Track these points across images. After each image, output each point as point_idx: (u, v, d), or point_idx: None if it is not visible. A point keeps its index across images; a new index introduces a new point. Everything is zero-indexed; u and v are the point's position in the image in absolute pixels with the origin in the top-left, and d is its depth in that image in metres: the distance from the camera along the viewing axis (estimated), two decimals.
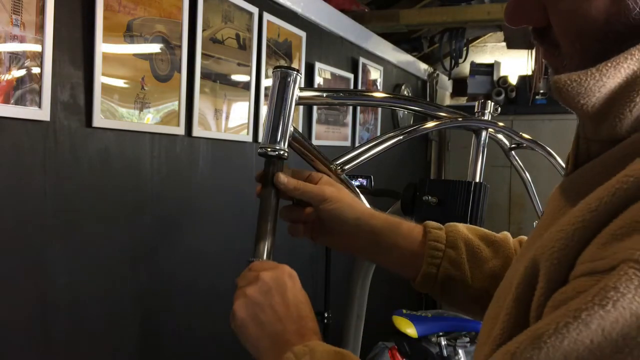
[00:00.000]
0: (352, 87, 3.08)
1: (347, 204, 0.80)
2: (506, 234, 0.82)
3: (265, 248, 0.75)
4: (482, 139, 1.22)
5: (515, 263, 0.53)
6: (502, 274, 0.64)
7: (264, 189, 0.80)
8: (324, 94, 0.91)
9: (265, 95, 2.25)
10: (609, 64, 0.45)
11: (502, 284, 0.55)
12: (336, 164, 0.94)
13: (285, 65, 0.85)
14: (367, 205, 0.86)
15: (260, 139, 2.26)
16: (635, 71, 0.44)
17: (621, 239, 0.37)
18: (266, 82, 2.28)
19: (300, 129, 2.61)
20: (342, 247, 0.87)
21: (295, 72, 0.82)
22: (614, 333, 0.36)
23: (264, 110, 2.27)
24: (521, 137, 1.46)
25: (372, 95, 0.98)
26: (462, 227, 0.80)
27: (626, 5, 0.44)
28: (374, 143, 1.02)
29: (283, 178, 0.78)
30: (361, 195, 0.94)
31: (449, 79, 4.86)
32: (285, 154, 0.81)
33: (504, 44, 4.41)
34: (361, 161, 0.98)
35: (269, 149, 0.80)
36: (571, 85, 0.46)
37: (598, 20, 0.46)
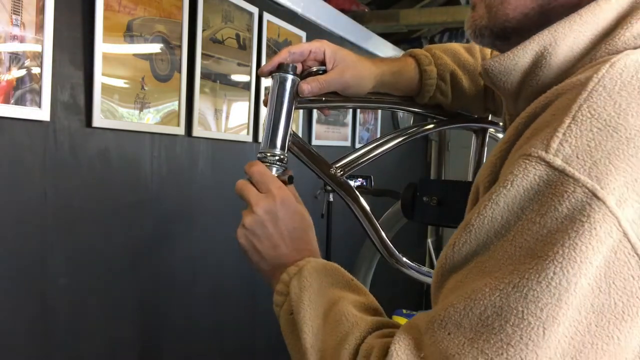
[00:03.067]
0: None
1: (365, 78, 0.88)
2: (478, 59, 1.01)
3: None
4: (483, 139, 1.22)
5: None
6: (473, 98, 0.99)
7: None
8: (323, 97, 0.90)
9: (266, 96, 2.25)
10: (519, 47, 0.57)
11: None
12: (336, 167, 0.94)
13: (284, 69, 0.84)
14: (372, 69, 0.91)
15: (260, 139, 2.26)
16: (536, 52, 0.57)
17: (517, 150, 0.50)
18: (266, 82, 2.28)
19: (300, 129, 2.61)
20: None
21: (294, 77, 0.82)
22: (514, 206, 0.48)
23: (264, 110, 2.26)
24: None
25: (372, 98, 0.97)
26: (448, 60, 0.98)
27: None
28: (374, 145, 1.01)
29: (306, 86, 0.83)
30: (362, 199, 0.94)
31: None
32: (285, 159, 0.81)
33: None
34: (361, 163, 0.98)
35: (269, 154, 0.80)
36: (494, 66, 0.59)
37: None
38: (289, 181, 0.79)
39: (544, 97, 0.52)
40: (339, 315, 0.66)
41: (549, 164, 0.47)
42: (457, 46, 1.03)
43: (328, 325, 0.66)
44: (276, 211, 0.74)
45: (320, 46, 0.87)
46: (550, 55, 0.56)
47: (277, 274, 0.74)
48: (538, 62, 0.57)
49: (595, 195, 0.45)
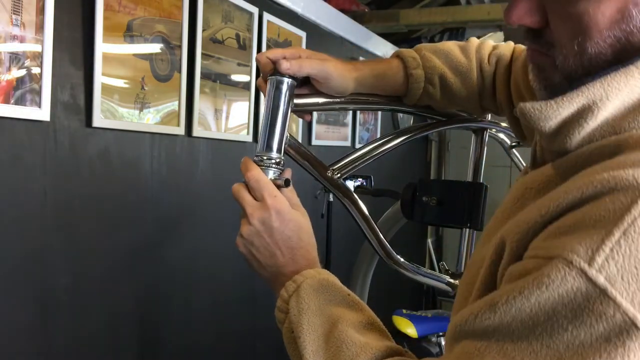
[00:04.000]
0: None
1: (345, 76, 0.87)
2: (472, 60, 0.99)
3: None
4: (483, 138, 1.22)
5: (485, 243, 0.65)
6: (465, 100, 0.98)
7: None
8: (320, 100, 0.90)
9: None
10: (565, 99, 0.55)
11: (474, 258, 0.66)
12: (333, 169, 0.94)
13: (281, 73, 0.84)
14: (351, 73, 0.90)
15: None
16: (584, 104, 0.55)
17: (556, 237, 0.50)
18: None
19: (300, 129, 2.61)
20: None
21: (290, 80, 0.82)
22: (546, 306, 0.48)
23: (264, 110, 2.26)
24: None
25: (370, 99, 0.97)
26: (438, 62, 0.97)
27: (630, 13, 0.53)
28: (372, 146, 1.01)
29: (285, 63, 0.82)
30: (360, 201, 0.94)
31: None
32: (281, 162, 0.82)
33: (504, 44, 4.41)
34: (359, 165, 0.98)
35: (265, 157, 0.80)
36: (534, 112, 0.57)
37: (602, 24, 0.54)
38: (285, 184, 0.79)
39: (592, 185, 0.50)
40: (340, 341, 0.67)
41: (590, 280, 0.46)
42: (450, 45, 1.01)
43: (329, 350, 0.68)
44: (271, 222, 0.76)
45: (295, 52, 0.86)
46: (599, 109, 0.54)
47: (277, 284, 0.76)
48: (584, 114, 0.55)
49: (635, 324, 0.45)
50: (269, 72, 0.84)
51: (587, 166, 0.54)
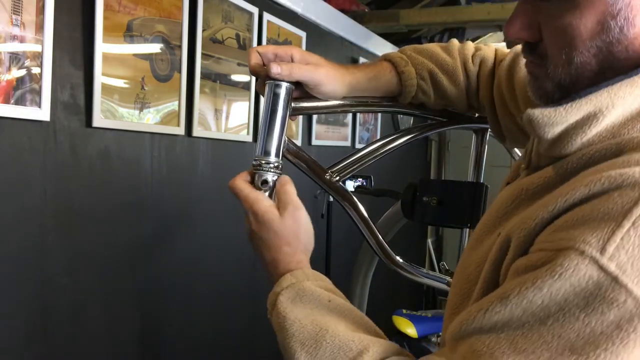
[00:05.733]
0: None
1: (337, 80, 0.88)
2: (456, 59, 1.00)
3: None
4: (483, 139, 1.22)
5: (478, 242, 0.67)
6: (455, 97, 1.00)
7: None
8: (317, 104, 0.90)
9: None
10: (573, 105, 0.59)
11: (468, 259, 0.68)
12: (331, 172, 0.94)
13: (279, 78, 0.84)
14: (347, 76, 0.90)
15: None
16: (590, 112, 0.59)
17: (564, 230, 0.52)
18: None
19: (300, 129, 2.61)
20: None
21: (288, 85, 0.82)
22: (558, 296, 0.50)
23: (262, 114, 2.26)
24: None
25: (369, 101, 0.97)
26: (425, 60, 0.99)
27: (608, 25, 0.58)
28: (371, 148, 1.01)
29: (275, 68, 0.82)
30: (359, 203, 0.94)
31: None
32: (280, 166, 0.82)
33: (504, 44, 4.41)
34: (357, 167, 0.97)
35: (263, 162, 0.80)
36: (542, 119, 0.60)
37: (585, 35, 0.59)
38: (261, 185, 0.79)
39: (599, 182, 0.53)
40: (336, 349, 0.67)
41: (602, 268, 0.48)
42: (433, 46, 1.03)
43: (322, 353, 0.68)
44: (269, 219, 0.77)
45: (288, 50, 0.86)
46: (604, 117, 0.58)
47: (278, 275, 0.78)
48: (589, 120, 0.59)
49: None
50: (257, 65, 0.84)
51: (589, 167, 0.57)
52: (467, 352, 0.55)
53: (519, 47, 1.02)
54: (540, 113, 0.60)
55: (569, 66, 0.61)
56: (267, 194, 0.80)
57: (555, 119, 0.59)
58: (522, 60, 0.96)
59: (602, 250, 0.48)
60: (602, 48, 0.59)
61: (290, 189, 0.79)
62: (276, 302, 0.73)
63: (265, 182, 0.80)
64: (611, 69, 0.60)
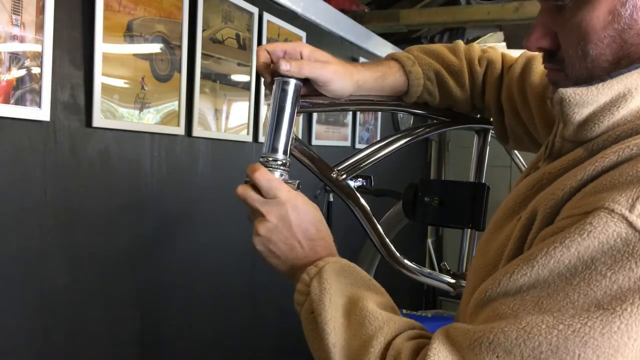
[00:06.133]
0: None
1: (345, 78, 0.88)
2: (462, 59, 1.02)
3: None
4: (485, 139, 1.22)
5: (496, 231, 0.68)
6: (460, 97, 1.01)
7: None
8: (326, 101, 0.90)
9: (266, 96, 2.25)
10: (605, 85, 0.61)
11: (486, 246, 0.69)
12: (337, 170, 0.94)
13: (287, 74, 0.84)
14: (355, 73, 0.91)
15: (260, 139, 2.26)
16: (620, 92, 0.60)
17: (592, 195, 0.54)
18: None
19: (300, 129, 2.61)
20: None
21: (296, 82, 0.82)
22: (585, 255, 0.51)
23: (264, 110, 2.26)
24: None
25: (373, 100, 0.97)
26: (432, 61, 1.00)
27: (619, 13, 0.60)
28: (376, 147, 1.01)
29: (284, 65, 0.81)
30: (364, 203, 0.94)
31: None
32: (287, 164, 0.81)
33: (504, 43, 4.41)
34: (363, 166, 0.98)
35: (271, 159, 0.80)
36: (574, 97, 0.62)
37: (598, 26, 0.61)
38: (297, 187, 0.80)
39: (628, 149, 0.55)
40: (362, 316, 0.68)
41: (630, 224, 0.50)
42: (440, 47, 1.04)
43: (352, 325, 0.68)
44: (288, 216, 0.76)
45: (296, 47, 0.86)
46: (633, 97, 0.60)
47: (297, 274, 0.77)
48: (617, 101, 0.61)
49: None
50: (265, 63, 0.84)
51: (617, 142, 0.59)
52: (489, 315, 0.55)
53: (530, 52, 1.03)
54: (572, 92, 0.62)
55: (585, 60, 0.63)
56: None
57: (587, 98, 0.61)
58: (534, 65, 0.98)
59: (632, 207, 0.50)
60: (615, 37, 0.61)
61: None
62: (321, 271, 0.73)
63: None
64: (626, 57, 0.61)
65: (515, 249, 0.61)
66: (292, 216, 0.76)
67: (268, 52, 0.85)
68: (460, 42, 1.06)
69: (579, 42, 0.62)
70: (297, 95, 0.83)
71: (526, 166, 1.68)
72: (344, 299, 0.71)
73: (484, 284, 0.58)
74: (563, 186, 0.57)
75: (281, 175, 0.80)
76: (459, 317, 0.71)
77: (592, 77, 0.63)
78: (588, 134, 0.62)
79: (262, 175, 0.77)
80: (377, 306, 0.69)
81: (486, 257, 0.68)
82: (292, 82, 0.82)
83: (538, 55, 1.00)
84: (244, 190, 0.79)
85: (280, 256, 0.78)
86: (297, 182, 0.80)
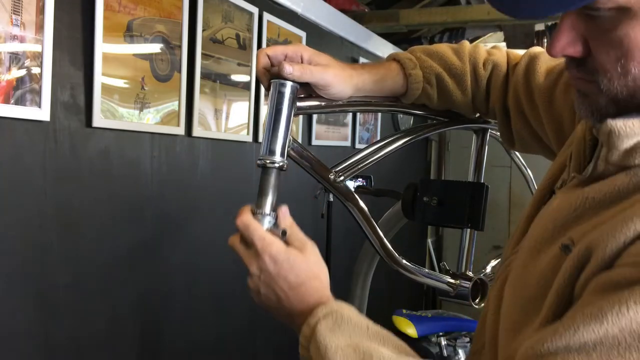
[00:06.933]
0: None
1: (345, 81, 0.88)
2: (466, 63, 1.00)
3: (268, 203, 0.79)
4: (484, 139, 1.22)
5: (537, 252, 0.65)
6: (460, 101, 1.00)
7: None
8: (323, 103, 0.90)
9: (265, 96, 2.25)
10: None
11: (525, 273, 0.65)
12: (335, 171, 0.94)
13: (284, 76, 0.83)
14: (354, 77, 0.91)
15: (260, 139, 2.26)
16: None
17: None
18: None
19: (300, 129, 2.61)
20: None
21: (293, 84, 0.82)
22: None
23: (264, 110, 2.26)
24: None
25: (372, 101, 0.97)
26: (434, 63, 0.98)
27: None
28: (374, 148, 1.01)
29: (288, 68, 0.82)
30: (362, 203, 0.94)
31: None
32: (285, 166, 0.81)
33: (504, 43, 4.41)
34: (361, 167, 0.98)
35: (268, 161, 0.80)
36: (624, 130, 0.60)
37: None
38: (282, 235, 0.77)
39: None
40: None
41: None
42: (444, 48, 1.02)
43: None
44: (267, 267, 0.74)
45: (297, 50, 0.86)
46: None
47: (293, 325, 0.76)
48: None
49: None
50: (265, 68, 0.84)
51: None
52: None
53: (533, 50, 1.01)
54: (623, 125, 0.60)
55: (625, 78, 0.59)
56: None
57: (637, 130, 0.59)
58: (538, 65, 0.95)
59: None
60: None
61: (297, 228, 0.78)
62: (314, 332, 0.70)
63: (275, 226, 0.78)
64: None
65: (565, 286, 0.58)
66: (269, 266, 0.74)
67: (268, 56, 0.84)
68: (465, 43, 1.04)
69: (619, 58, 0.58)
70: (294, 98, 0.83)
71: (526, 166, 1.68)
72: (349, 352, 0.67)
73: (538, 334, 0.56)
74: (622, 228, 0.55)
75: (269, 222, 0.78)
76: (500, 335, 0.68)
77: (632, 96, 0.60)
78: (631, 160, 0.60)
79: (241, 221, 0.76)
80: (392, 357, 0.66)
81: (526, 286, 0.65)
82: (289, 85, 0.82)
83: (541, 54, 0.98)
84: (232, 241, 0.78)
85: (271, 306, 0.76)
86: (282, 229, 0.77)
